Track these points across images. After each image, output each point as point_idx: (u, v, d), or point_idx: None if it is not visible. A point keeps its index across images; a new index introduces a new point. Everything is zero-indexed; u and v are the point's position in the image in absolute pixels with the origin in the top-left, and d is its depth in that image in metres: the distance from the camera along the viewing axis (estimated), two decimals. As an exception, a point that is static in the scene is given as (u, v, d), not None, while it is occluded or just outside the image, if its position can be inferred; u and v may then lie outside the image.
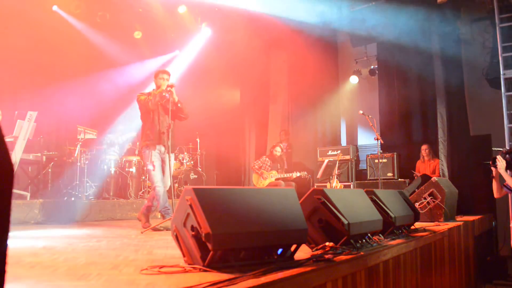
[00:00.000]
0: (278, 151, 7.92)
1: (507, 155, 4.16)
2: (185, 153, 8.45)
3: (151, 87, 5.10)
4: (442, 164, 7.35)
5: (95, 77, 8.60)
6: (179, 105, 4.81)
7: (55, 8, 8.19)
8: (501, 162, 4.14)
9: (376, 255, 2.40)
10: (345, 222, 2.29)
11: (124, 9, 8.54)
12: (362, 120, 7.04)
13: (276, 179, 7.75)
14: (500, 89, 6.62)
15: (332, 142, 9.02)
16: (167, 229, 4.29)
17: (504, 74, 6.56)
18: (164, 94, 4.74)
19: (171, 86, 4.72)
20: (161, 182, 4.66)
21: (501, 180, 4.33)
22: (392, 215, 3.01)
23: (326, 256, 2.05)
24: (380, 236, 2.85)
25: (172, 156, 4.89)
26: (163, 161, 4.79)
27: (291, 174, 7.64)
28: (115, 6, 8.39)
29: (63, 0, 8.09)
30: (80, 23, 8.36)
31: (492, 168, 4.28)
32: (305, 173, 7.62)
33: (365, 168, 8.19)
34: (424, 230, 3.72)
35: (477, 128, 7.89)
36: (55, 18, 8.22)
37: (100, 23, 8.41)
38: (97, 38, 8.61)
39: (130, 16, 8.72)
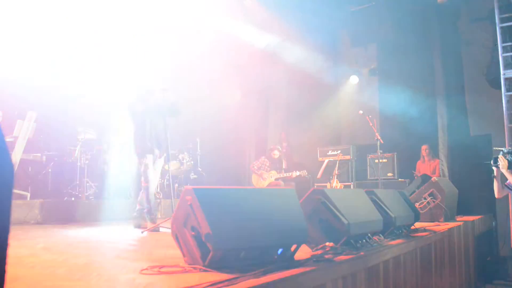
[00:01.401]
0: (276, 154, 7.91)
1: (509, 155, 4.16)
2: (185, 153, 8.45)
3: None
4: (442, 164, 7.35)
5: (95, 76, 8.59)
6: (176, 105, 4.78)
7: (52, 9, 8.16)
8: (503, 162, 4.13)
9: (376, 255, 2.40)
10: (345, 222, 2.29)
11: (124, 9, 8.53)
12: (362, 120, 7.04)
13: (276, 179, 7.75)
14: (500, 89, 6.62)
15: (332, 142, 9.02)
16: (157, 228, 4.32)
17: (504, 74, 6.56)
18: (162, 100, 4.70)
19: (165, 90, 4.69)
20: (152, 183, 4.71)
21: (502, 179, 4.32)
22: (392, 215, 3.01)
23: (326, 256, 2.05)
24: (380, 236, 2.84)
25: (162, 159, 4.89)
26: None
27: (290, 174, 7.63)
28: (116, 6, 8.38)
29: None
30: (81, 23, 8.34)
31: (494, 168, 4.27)
32: (305, 171, 7.61)
33: (365, 168, 8.18)
34: (424, 230, 3.72)
35: (477, 128, 7.89)
36: (54, 17, 8.22)
37: (99, 22, 8.40)
38: (97, 37, 8.59)
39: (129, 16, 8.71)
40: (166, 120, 4.77)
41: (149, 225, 4.51)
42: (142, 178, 4.80)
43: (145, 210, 4.70)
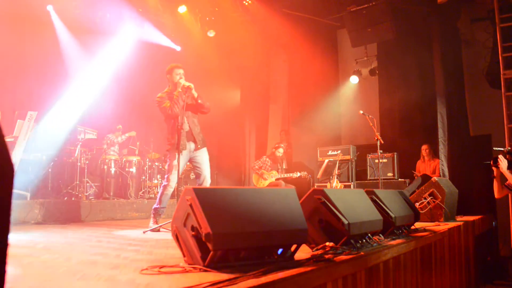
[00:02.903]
0: (280, 152, 7.92)
1: (509, 155, 4.16)
2: (185, 153, 8.44)
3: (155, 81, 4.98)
4: (442, 164, 7.35)
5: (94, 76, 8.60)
6: (199, 101, 4.66)
7: (49, 8, 8.15)
8: (503, 162, 4.13)
9: (376, 255, 2.40)
10: (345, 222, 2.29)
11: (124, 9, 8.54)
12: (362, 120, 7.05)
13: (277, 179, 7.74)
14: (500, 89, 6.62)
15: (332, 142, 9.02)
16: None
17: (504, 74, 6.57)
18: (184, 99, 4.57)
19: (189, 88, 4.57)
20: (173, 183, 4.62)
21: (502, 180, 4.33)
22: (392, 215, 3.01)
23: (326, 256, 2.04)
24: (380, 236, 2.84)
25: (204, 150, 4.77)
26: (193, 160, 4.71)
27: (291, 174, 7.63)
28: (116, 6, 8.38)
29: (62, 0, 8.08)
30: (75, 24, 8.32)
31: (493, 168, 4.27)
32: (305, 173, 7.61)
33: (365, 168, 8.19)
34: (424, 230, 3.72)
35: (477, 128, 7.89)
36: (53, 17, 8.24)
37: (99, 22, 8.40)
38: (94, 38, 8.60)
39: (129, 15, 8.72)
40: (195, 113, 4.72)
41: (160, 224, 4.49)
42: (166, 176, 4.65)
43: (154, 206, 4.66)
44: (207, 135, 4.69)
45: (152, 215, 4.67)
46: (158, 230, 4.29)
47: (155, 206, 4.68)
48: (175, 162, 4.56)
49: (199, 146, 4.70)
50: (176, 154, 4.58)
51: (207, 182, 4.71)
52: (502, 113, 6.55)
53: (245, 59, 9.57)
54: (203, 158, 4.75)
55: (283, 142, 8.81)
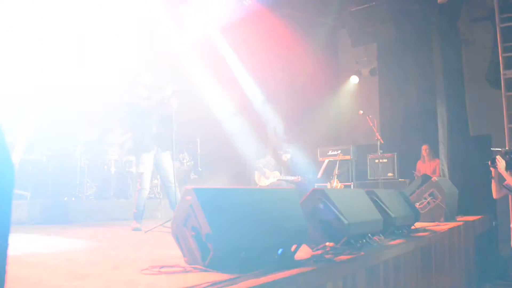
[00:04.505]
0: (287, 157, 7.90)
1: (507, 155, 4.16)
2: (185, 153, 8.44)
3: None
4: (442, 164, 7.35)
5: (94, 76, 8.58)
6: (173, 108, 4.57)
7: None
8: (501, 162, 4.13)
9: (376, 255, 2.40)
10: (345, 222, 2.29)
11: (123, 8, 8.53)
12: (362, 120, 7.04)
13: (278, 180, 7.73)
14: (500, 89, 6.62)
15: (332, 142, 9.02)
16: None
17: (504, 74, 6.56)
18: (171, 99, 4.54)
19: (177, 91, 4.53)
20: (148, 186, 4.62)
21: (500, 180, 4.32)
22: (393, 215, 3.01)
23: (326, 256, 2.05)
24: (380, 236, 2.84)
25: (168, 154, 4.76)
26: (158, 164, 4.71)
27: (293, 177, 7.63)
28: (115, 5, 8.37)
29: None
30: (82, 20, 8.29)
31: (492, 169, 4.27)
32: (309, 177, 7.63)
33: (365, 168, 8.18)
34: (425, 230, 3.72)
35: (477, 129, 7.89)
36: (53, 16, 8.21)
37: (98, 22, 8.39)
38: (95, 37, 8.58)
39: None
40: (173, 119, 4.66)
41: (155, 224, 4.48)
42: (139, 180, 4.66)
43: (133, 211, 4.63)
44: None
45: (133, 219, 4.62)
46: (160, 226, 4.28)
47: (133, 210, 4.65)
48: (143, 163, 4.53)
49: (160, 151, 4.67)
50: (144, 154, 4.55)
51: (176, 188, 4.61)
52: (502, 113, 6.54)
53: (244, 59, 9.56)
54: (167, 161, 4.71)
55: (283, 143, 8.80)
